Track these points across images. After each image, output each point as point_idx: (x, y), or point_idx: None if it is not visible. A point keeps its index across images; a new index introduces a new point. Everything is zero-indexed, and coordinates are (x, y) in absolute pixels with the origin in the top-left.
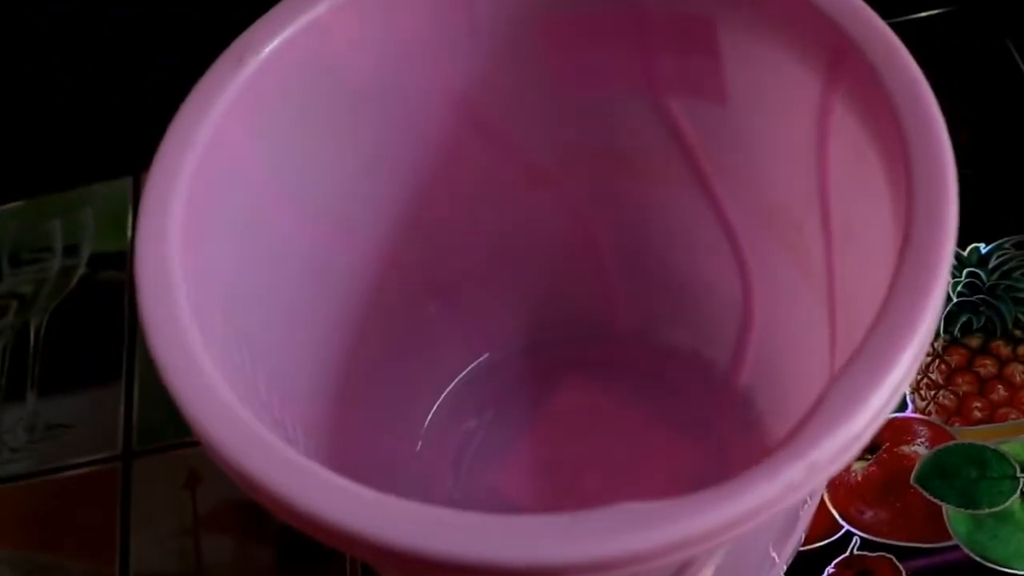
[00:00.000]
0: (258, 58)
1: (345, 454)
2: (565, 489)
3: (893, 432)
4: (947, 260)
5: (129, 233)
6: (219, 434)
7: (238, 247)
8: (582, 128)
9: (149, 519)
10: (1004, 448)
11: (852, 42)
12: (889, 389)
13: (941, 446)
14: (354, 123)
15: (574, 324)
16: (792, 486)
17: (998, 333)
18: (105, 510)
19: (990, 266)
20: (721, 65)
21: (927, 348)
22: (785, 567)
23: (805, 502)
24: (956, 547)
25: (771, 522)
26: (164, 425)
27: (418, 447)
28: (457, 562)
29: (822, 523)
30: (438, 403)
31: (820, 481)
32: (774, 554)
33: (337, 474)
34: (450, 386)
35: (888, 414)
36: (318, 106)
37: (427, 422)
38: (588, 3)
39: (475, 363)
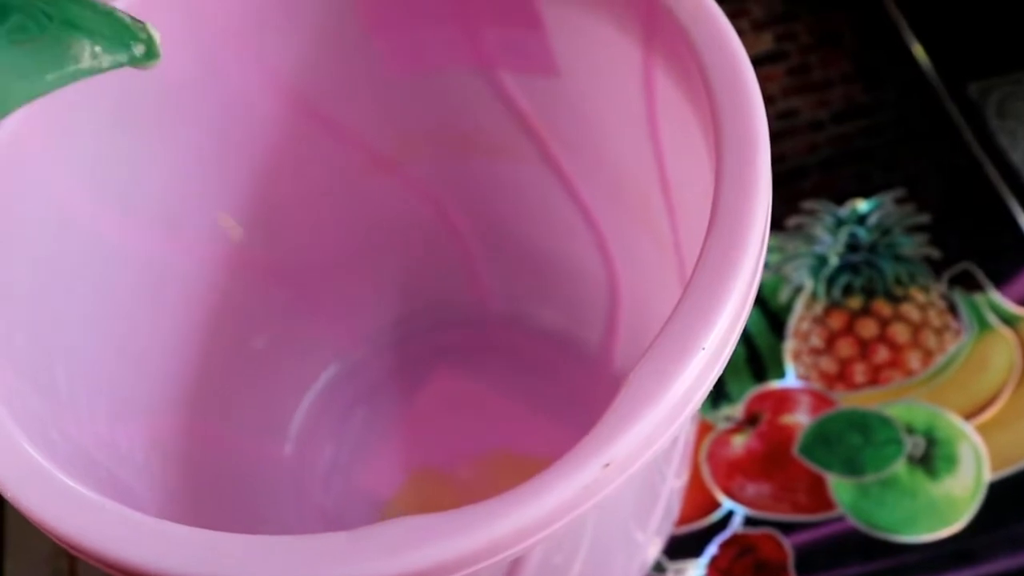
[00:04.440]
0: None
1: (204, 464)
2: (439, 485)
3: (774, 403)
4: (752, 244)
5: None
6: None
7: (46, 260)
8: (419, 109)
9: (24, 543)
10: (888, 412)
11: (662, 3)
12: (685, 385)
13: (823, 414)
14: (178, 120)
15: (445, 312)
16: (588, 488)
17: (879, 292)
18: None
19: (870, 223)
20: (546, 36)
21: (736, 336)
22: (658, 549)
23: (663, 478)
24: (841, 517)
25: (612, 512)
26: None
27: (287, 451)
28: None
29: (702, 501)
30: (307, 404)
31: (623, 479)
32: (638, 536)
33: (192, 489)
34: (317, 386)
35: (694, 407)
36: (136, 104)
37: (295, 425)
38: None
39: (344, 360)
